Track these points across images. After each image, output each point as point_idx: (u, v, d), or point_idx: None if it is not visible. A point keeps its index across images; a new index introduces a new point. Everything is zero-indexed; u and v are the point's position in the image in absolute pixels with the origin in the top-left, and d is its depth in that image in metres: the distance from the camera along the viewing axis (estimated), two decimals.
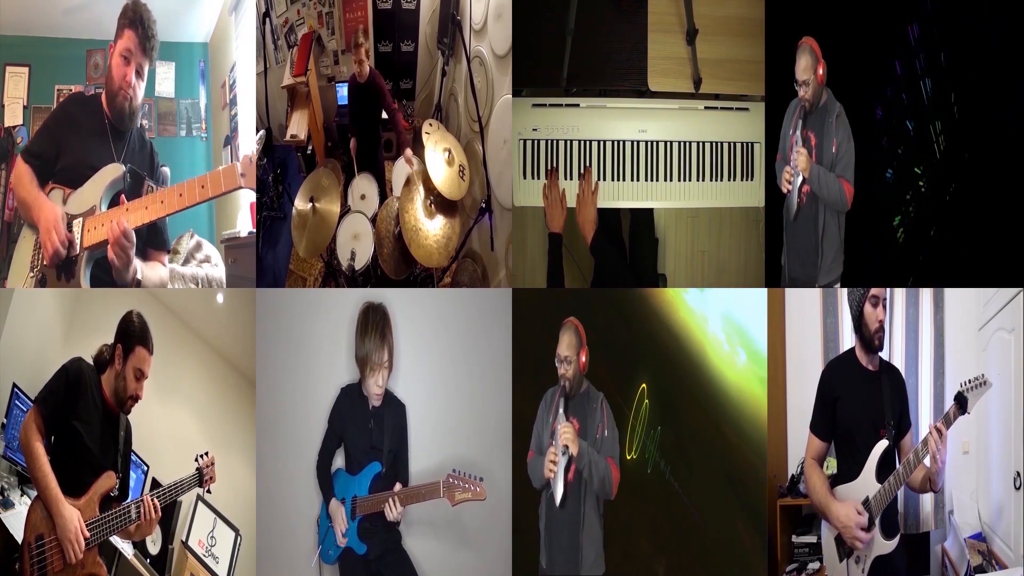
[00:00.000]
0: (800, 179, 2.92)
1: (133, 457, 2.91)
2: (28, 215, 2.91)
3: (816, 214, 2.94)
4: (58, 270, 2.84)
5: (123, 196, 2.87)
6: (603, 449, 2.72)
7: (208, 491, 2.74)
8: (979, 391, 2.52)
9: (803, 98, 2.91)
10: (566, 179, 3.22)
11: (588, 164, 3.22)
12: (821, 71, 2.86)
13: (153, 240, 3.03)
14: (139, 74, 2.95)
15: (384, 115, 3.96)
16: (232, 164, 2.78)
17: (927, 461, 2.56)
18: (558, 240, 3.15)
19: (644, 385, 3.06)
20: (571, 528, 2.72)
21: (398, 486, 2.84)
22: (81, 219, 2.83)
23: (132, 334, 2.56)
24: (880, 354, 2.72)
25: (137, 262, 2.83)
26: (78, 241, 2.82)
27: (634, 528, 3.02)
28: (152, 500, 2.52)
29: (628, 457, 2.99)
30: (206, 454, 2.70)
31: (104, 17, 3.02)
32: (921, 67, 3.16)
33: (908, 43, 3.15)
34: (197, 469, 2.67)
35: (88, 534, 2.39)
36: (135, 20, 2.91)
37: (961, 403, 2.52)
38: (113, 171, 2.89)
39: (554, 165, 3.23)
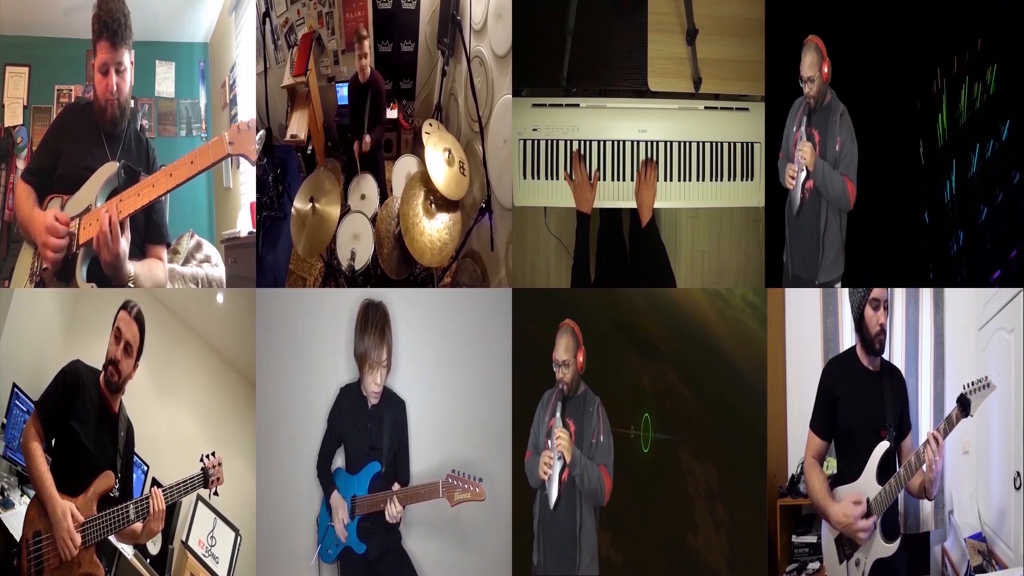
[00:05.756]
0: (804, 175, 2.92)
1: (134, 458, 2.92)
2: (27, 234, 2.95)
3: (819, 211, 2.95)
4: (57, 274, 2.85)
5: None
6: (597, 455, 2.72)
7: (215, 493, 2.71)
8: (982, 393, 2.50)
9: (808, 95, 2.91)
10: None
11: (595, 163, 3.23)
12: (826, 69, 2.87)
13: (151, 234, 3.03)
14: (120, 72, 2.93)
15: (388, 115, 3.98)
16: (221, 135, 2.78)
17: (924, 468, 2.56)
18: (587, 220, 3.15)
19: (645, 384, 3.07)
20: (566, 528, 2.71)
21: (396, 486, 2.84)
22: (78, 219, 2.84)
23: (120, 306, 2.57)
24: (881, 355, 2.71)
25: (130, 265, 2.83)
26: (74, 239, 2.83)
27: (632, 528, 3.03)
28: (158, 494, 2.52)
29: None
30: (212, 454, 2.68)
31: None
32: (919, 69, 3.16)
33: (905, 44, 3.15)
34: (203, 469, 2.66)
35: (81, 520, 2.39)
36: (101, 30, 2.89)
37: (964, 405, 2.51)
38: (108, 169, 2.89)
39: (554, 165, 3.23)
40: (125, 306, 2.58)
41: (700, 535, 3.06)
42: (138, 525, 2.52)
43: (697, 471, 3.07)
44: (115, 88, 2.93)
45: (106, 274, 2.78)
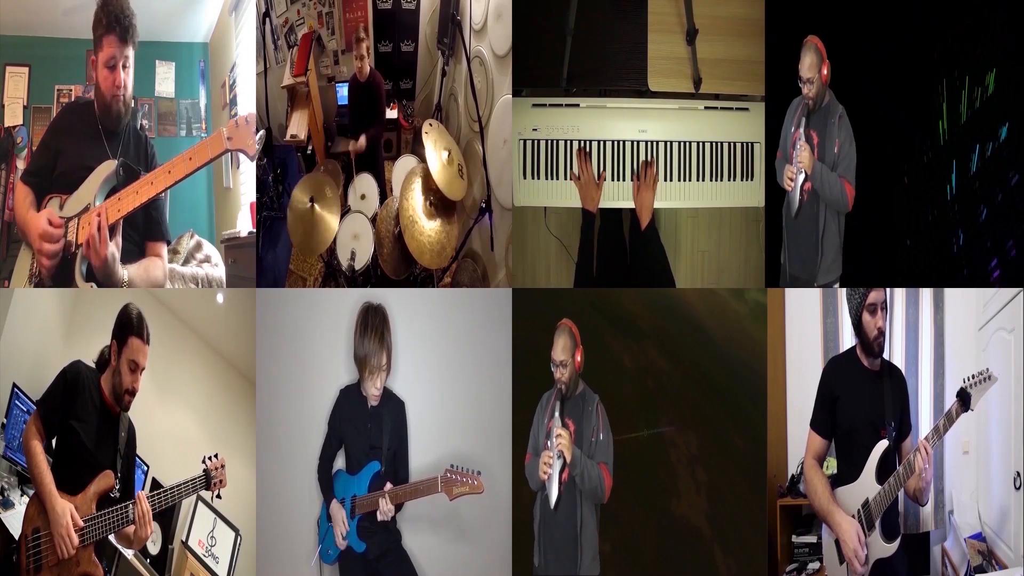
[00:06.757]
0: (802, 176, 2.92)
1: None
2: (25, 236, 2.95)
3: (817, 212, 2.95)
4: (54, 276, 2.85)
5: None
6: (596, 454, 2.72)
7: (218, 495, 2.69)
8: (983, 386, 2.48)
9: (807, 96, 2.91)
10: (565, 179, 3.23)
11: (596, 163, 3.23)
12: (825, 70, 2.87)
13: (151, 231, 3.02)
14: (125, 68, 2.91)
15: (387, 115, 3.98)
16: (219, 130, 2.76)
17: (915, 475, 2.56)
18: (592, 219, 3.16)
19: (629, 366, 3.09)
20: (566, 528, 2.71)
21: (389, 485, 2.84)
22: (77, 218, 2.84)
23: (125, 325, 2.56)
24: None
25: (124, 270, 2.82)
26: (72, 240, 2.83)
27: (631, 527, 3.03)
28: (144, 499, 2.50)
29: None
30: (215, 456, 2.67)
31: None
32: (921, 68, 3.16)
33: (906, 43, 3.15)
34: (204, 471, 2.64)
35: (81, 524, 2.39)
36: (111, 24, 2.86)
37: (964, 399, 2.49)
38: (106, 167, 2.88)
39: (554, 165, 3.23)
40: (137, 332, 2.54)
41: (683, 500, 3.07)
42: (131, 529, 2.51)
43: (679, 441, 3.08)
44: (123, 83, 2.92)
45: (98, 278, 2.78)
